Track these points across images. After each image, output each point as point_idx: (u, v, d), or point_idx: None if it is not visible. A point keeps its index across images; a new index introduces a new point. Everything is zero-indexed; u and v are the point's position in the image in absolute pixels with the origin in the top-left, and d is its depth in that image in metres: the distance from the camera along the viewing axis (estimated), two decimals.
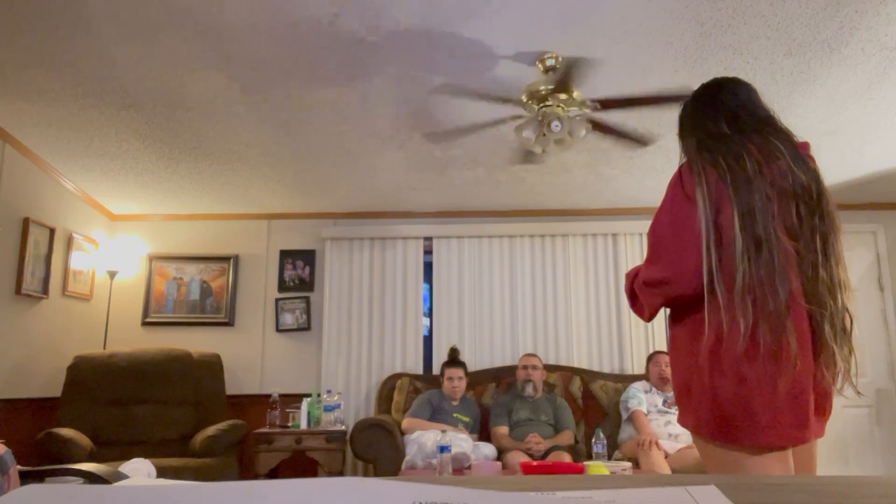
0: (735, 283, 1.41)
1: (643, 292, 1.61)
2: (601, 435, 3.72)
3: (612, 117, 3.27)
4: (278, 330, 4.93)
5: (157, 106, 3.41)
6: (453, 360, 4.36)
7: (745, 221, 1.42)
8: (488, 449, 3.82)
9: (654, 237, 1.56)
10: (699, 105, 1.70)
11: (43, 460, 3.54)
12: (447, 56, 2.93)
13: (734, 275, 1.41)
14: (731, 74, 3.07)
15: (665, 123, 3.62)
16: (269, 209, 5.04)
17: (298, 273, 5.02)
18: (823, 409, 1.50)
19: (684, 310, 1.57)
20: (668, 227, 1.53)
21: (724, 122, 1.59)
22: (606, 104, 3.08)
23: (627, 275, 1.75)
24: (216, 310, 4.95)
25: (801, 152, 1.56)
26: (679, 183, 1.53)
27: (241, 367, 4.86)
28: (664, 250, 1.53)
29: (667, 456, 3.66)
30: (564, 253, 5.01)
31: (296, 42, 2.82)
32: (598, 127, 3.19)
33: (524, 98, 3.05)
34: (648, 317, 1.68)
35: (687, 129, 1.70)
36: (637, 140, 3.35)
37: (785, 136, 1.58)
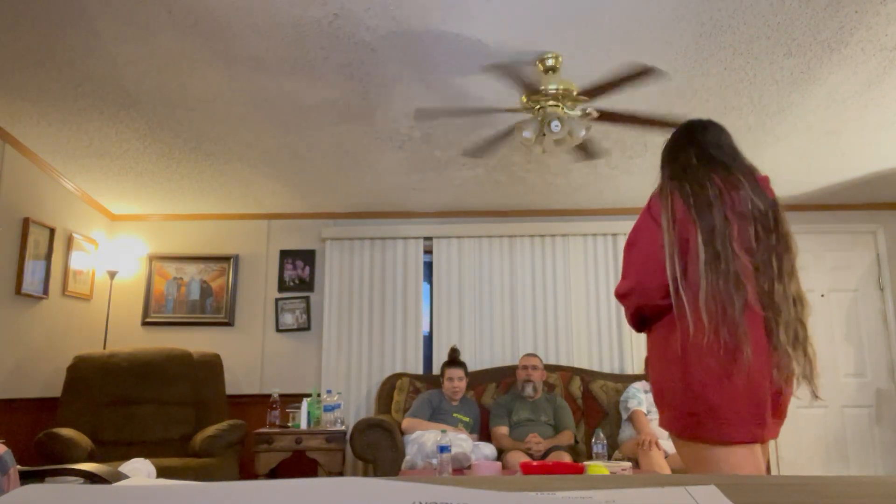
0: (700, 291, 1.61)
1: (622, 305, 1.83)
2: (601, 435, 3.72)
3: (617, 107, 3.26)
4: (278, 330, 4.93)
5: (157, 106, 3.41)
6: (453, 360, 4.36)
7: (706, 238, 1.64)
8: (488, 449, 3.82)
9: (625, 255, 1.80)
10: (676, 141, 1.93)
11: (43, 460, 3.54)
12: (447, 56, 2.93)
13: (699, 284, 1.62)
14: (731, 74, 3.08)
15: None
16: (269, 209, 5.04)
17: (298, 273, 5.02)
18: (778, 411, 1.65)
19: (655, 319, 1.76)
20: (634, 246, 1.77)
21: (695, 156, 1.82)
22: (605, 116, 3.07)
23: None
24: (216, 310, 4.95)
25: (761, 184, 1.77)
26: (648, 209, 1.77)
27: (241, 367, 4.86)
28: (631, 265, 1.76)
29: (667, 456, 3.66)
30: (564, 253, 5.01)
31: (296, 42, 2.82)
32: (607, 116, 3.14)
33: (524, 98, 3.05)
34: (634, 326, 1.85)
35: (664, 160, 1.93)
36: (657, 123, 3.23)
37: (748, 170, 1.80)
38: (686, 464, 1.69)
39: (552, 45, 2.86)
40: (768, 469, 4.29)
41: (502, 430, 4.06)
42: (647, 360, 1.83)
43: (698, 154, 1.82)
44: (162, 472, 3.26)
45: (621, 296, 1.79)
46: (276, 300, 4.95)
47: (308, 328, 4.93)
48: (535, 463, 3.31)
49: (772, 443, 4.76)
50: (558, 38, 2.80)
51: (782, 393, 1.63)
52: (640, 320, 1.81)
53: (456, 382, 4.17)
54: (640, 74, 2.75)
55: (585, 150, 3.40)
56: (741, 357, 1.56)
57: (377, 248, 5.02)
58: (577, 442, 4.14)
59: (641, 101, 3.24)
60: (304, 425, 4.28)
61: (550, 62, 2.92)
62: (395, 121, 3.58)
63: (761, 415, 1.59)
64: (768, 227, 1.69)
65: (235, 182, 4.48)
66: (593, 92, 2.92)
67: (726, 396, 1.57)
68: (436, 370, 4.65)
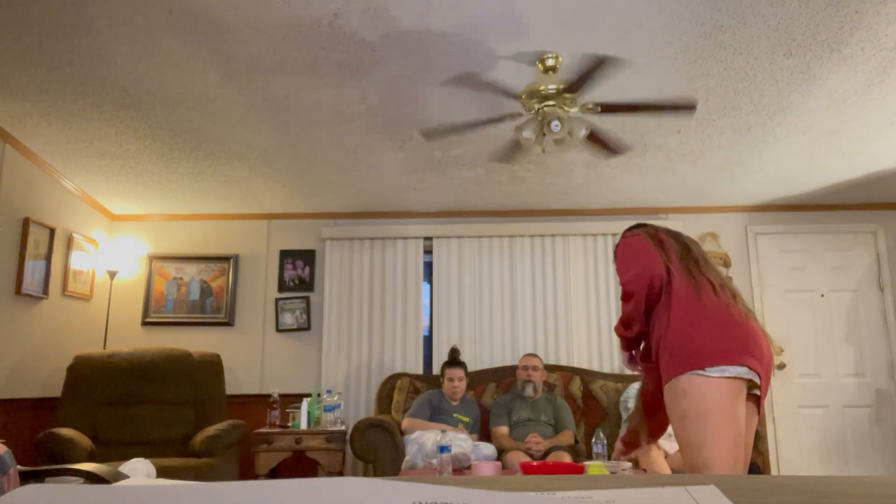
0: (683, 269, 2.01)
1: (625, 298, 2.08)
2: (601, 435, 3.71)
3: (607, 122, 3.26)
4: (278, 330, 4.93)
5: (157, 106, 3.41)
6: (453, 360, 4.35)
7: (680, 244, 2.10)
8: (488, 449, 3.82)
9: (621, 259, 2.14)
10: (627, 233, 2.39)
11: (43, 460, 3.54)
12: (447, 56, 2.93)
13: (681, 265, 2.01)
14: (731, 74, 3.08)
15: (666, 123, 3.62)
16: (269, 209, 5.04)
17: (298, 273, 5.02)
18: (767, 356, 1.93)
19: (650, 314, 2.05)
20: (629, 251, 2.13)
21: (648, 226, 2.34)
22: (607, 108, 3.07)
23: (616, 329, 2.22)
24: (216, 310, 4.95)
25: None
26: (624, 237, 2.18)
27: (241, 367, 4.86)
28: (632, 260, 2.08)
29: (667, 456, 3.66)
30: (564, 253, 5.01)
31: (296, 42, 2.82)
32: (611, 108, 3.13)
33: (524, 97, 3.04)
34: (641, 314, 2.07)
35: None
36: (613, 149, 3.32)
37: None
38: (676, 401, 1.89)
39: (552, 45, 2.86)
40: (765, 468, 4.29)
41: (502, 430, 4.06)
42: (656, 345, 2.04)
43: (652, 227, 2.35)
44: (162, 472, 3.26)
45: (631, 280, 2.06)
46: (276, 300, 4.95)
47: (308, 328, 4.93)
48: (535, 463, 3.31)
49: (772, 443, 4.76)
50: (558, 38, 2.80)
51: (770, 351, 1.95)
52: (648, 305, 2.06)
53: (456, 382, 4.17)
54: (598, 66, 2.74)
55: (608, 147, 3.33)
56: (733, 312, 1.92)
57: (377, 248, 5.02)
58: (577, 442, 4.14)
59: (644, 113, 3.23)
60: (304, 425, 4.28)
61: (550, 62, 2.91)
62: (395, 121, 3.58)
63: (760, 354, 1.87)
64: (707, 260, 2.16)
65: (235, 182, 4.48)
66: (571, 88, 2.91)
67: (725, 335, 1.87)
68: (436, 370, 4.65)
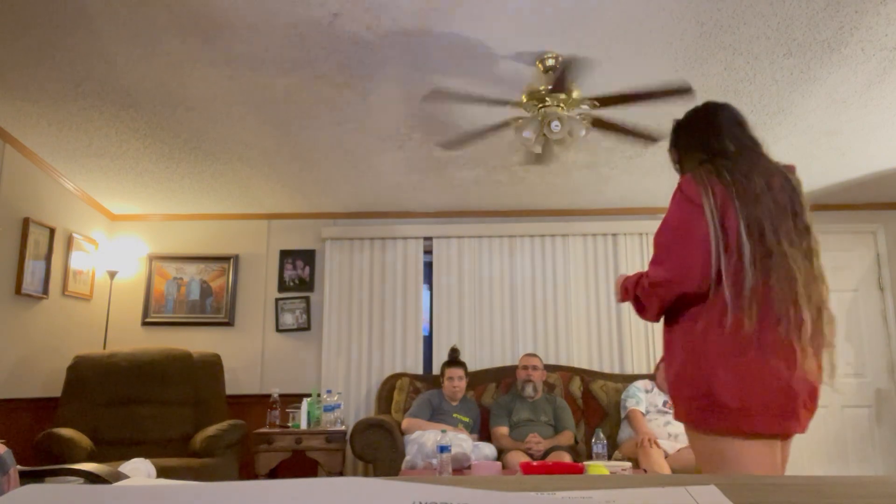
0: (744, 286, 1.53)
1: (646, 293, 1.71)
2: (601, 435, 3.72)
3: (615, 116, 3.26)
4: (278, 330, 4.93)
5: (157, 106, 3.41)
6: (453, 360, 4.36)
7: (752, 230, 1.55)
8: (488, 449, 3.82)
9: (660, 240, 1.68)
10: (698, 124, 1.81)
11: (43, 460, 3.54)
12: (447, 56, 2.93)
13: (743, 279, 1.53)
14: (731, 74, 3.08)
15: (665, 123, 3.62)
16: (269, 209, 5.04)
17: (298, 273, 5.02)
18: (811, 405, 1.61)
19: (683, 309, 1.67)
20: (673, 231, 1.65)
21: (731, 143, 1.71)
22: (604, 101, 3.07)
23: (627, 284, 1.81)
24: (216, 310, 4.95)
25: (791, 174, 1.71)
26: (682, 192, 1.65)
27: (241, 367, 4.86)
28: (670, 252, 1.65)
29: (666, 456, 3.66)
30: (564, 253, 5.01)
31: (296, 42, 2.82)
32: (601, 124, 3.16)
33: (524, 98, 3.04)
34: (655, 316, 1.75)
35: (684, 146, 1.82)
36: (643, 136, 3.31)
37: (773, 159, 1.73)
38: (700, 457, 1.63)
39: (552, 45, 2.86)
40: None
41: (502, 430, 4.06)
42: (665, 360, 1.76)
43: (734, 141, 1.72)
44: (162, 472, 3.26)
45: (656, 284, 1.65)
46: (276, 300, 4.95)
47: (308, 328, 4.93)
48: (535, 463, 3.31)
49: None
50: (558, 38, 2.80)
51: (816, 389, 1.60)
52: (662, 309, 1.71)
53: (456, 382, 4.17)
54: (674, 92, 2.73)
55: (636, 135, 3.32)
56: (781, 353, 1.52)
57: (377, 248, 5.02)
58: (577, 442, 4.14)
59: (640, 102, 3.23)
60: (304, 425, 4.28)
61: (550, 62, 2.91)
62: (396, 121, 3.58)
63: (793, 408, 1.54)
64: (803, 220, 1.63)
65: (235, 182, 4.48)
66: (613, 100, 2.91)
67: (760, 389, 1.52)
68: (436, 370, 4.65)
